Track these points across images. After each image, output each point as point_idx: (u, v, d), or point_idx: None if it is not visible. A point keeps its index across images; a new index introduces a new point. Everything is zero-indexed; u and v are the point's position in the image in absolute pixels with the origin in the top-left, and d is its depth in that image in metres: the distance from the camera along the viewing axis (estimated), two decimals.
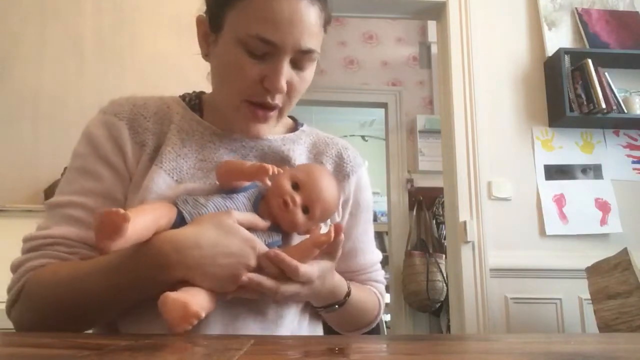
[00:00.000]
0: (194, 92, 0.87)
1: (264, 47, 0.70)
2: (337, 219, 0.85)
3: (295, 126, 0.90)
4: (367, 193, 0.91)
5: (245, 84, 0.72)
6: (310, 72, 0.77)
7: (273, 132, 0.84)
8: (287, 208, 0.68)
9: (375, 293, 0.90)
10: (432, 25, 3.96)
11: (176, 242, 0.62)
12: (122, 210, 0.55)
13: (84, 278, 0.65)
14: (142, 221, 0.60)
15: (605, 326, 1.79)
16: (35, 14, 2.29)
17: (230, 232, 0.64)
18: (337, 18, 3.98)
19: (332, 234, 0.67)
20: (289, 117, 0.91)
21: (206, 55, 0.78)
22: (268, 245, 0.67)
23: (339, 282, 0.77)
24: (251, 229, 0.66)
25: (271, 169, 0.67)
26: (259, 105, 0.74)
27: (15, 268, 0.71)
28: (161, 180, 0.73)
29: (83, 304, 0.65)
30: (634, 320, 1.67)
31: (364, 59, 4.21)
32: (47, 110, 2.19)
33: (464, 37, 2.55)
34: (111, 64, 2.27)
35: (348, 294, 0.79)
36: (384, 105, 4.12)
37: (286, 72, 0.72)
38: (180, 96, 0.86)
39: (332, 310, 0.79)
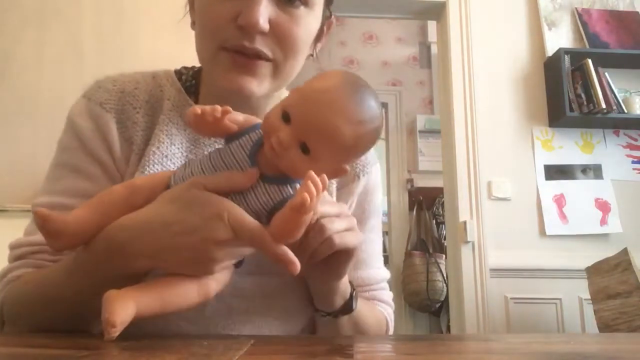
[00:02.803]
0: (192, 67, 0.75)
1: None
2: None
3: None
4: (375, 196, 0.77)
5: (217, 24, 0.61)
6: (307, 15, 0.63)
7: None
8: (275, 152, 0.49)
9: (382, 313, 0.77)
10: (432, 25, 3.96)
11: (129, 228, 0.50)
12: (45, 212, 0.49)
13: (47, 284, 0.57)
14: (95, 210, 0.52)
15: (605, 326, 1.79)
16: (35, 14, 2.29)
17: (190, 203, 0.49)
18: (337, 18, 3.98)
19: (312, 188, 0.44)
20: None
21: (193, 23, 0.68)
22: (279, 202, 0.51)
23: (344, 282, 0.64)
24: (233, 191, 0.51)
25: (209, 109, 0.51)
26: (239, 53, 0.61)
27: None
28: None
29: (51, 314, 0.56)
30: (634, 320, 1.67)
31: (364, 59, 4.21)
32: (47, 110, 2.19)
33: (464, 37, 2.55)
34: (111, 64, 2.26)
35: (355, 297, 0.65)
36: (384, 105, 4.12)
37: (265, 5, 0.59)
38: (176, 71, 0.74)
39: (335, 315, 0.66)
